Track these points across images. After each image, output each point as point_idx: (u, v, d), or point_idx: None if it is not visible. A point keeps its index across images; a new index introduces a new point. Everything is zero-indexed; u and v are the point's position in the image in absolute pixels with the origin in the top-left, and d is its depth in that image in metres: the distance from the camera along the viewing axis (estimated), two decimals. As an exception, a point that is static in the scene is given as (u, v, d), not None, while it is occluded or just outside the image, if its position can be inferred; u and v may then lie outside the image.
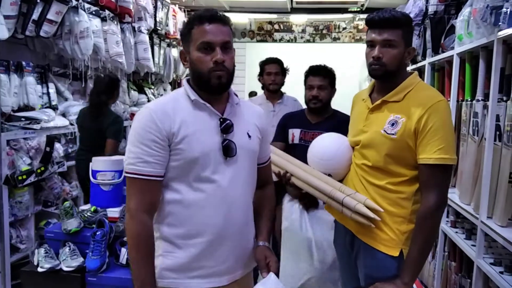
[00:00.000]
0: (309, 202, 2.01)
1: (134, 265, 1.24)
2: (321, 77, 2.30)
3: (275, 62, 3.14)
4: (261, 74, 3.19)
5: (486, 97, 2.13)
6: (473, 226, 2.20)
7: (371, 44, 1.51)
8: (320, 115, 2.33)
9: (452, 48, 2.57)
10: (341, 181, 1.68)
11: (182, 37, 1.31)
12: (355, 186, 1.60)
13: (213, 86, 1.25)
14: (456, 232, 2.42)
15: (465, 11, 2.30)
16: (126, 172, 1.23)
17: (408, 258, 1.45)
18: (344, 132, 1.75)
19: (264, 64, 3.17)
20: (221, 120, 1.28)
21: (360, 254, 1.59)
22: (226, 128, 1.28)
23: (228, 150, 1.27)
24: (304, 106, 3.24)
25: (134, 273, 1.25)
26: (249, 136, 1.34)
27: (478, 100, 2.19)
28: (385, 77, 1.52)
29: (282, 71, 3.15)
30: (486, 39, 2.01)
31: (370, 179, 1.55)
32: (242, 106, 1.36)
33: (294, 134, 2.37)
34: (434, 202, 1.41)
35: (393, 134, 1.46)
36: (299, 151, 2.06)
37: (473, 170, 2.17)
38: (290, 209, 2.09)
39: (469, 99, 2.35)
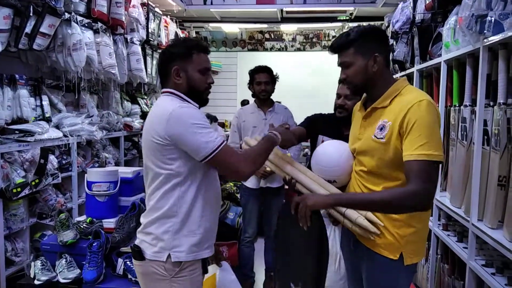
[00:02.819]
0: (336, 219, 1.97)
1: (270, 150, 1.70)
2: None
3: (265, 71, 3.12)
4: (251, 83, 3.18)
5: (473, 102, 2.18)
6: (464, 229, 2.24)
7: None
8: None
9: (440, 55, 2.63)
10: (344, 187, 1.71)
11: (177, 56, 1.58)
12: (356, 191, 1.64)
13: (206, 100, 1.67)
14: (448, 235, 2.46)
15: (451, 19, 2.37)
16: (217, 149, 1.48)
17: (353, 194, 1.53)
18: None
19: (253, 73, 3.15)
20: None
21: (363, 257, 1.62)
22: None
23: None
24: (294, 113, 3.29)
25: None
26: None
27: (466, 106, 2.24)
28: (360, 91, 1.63)
29: (272, 79, 3.14)
30: (472, 47, 2.07)
31: (367, 184, 1.58)
32: None
33: (324, 141, 2.27)
34: (412, 188, 1.37)
35: (382, 138, 1.50)
36: None
37: (462, 173, 2.22)
38: None
39: (457, 105, 2.40)
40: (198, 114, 1.51)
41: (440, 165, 2.44)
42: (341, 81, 2.31)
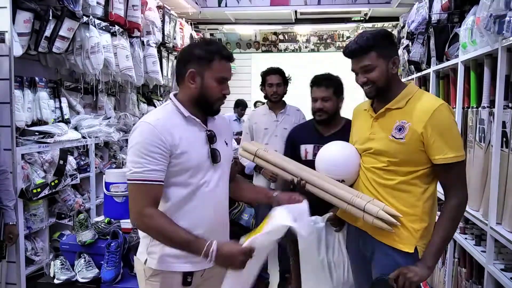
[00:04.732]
0: (338, 221, 1.87)
1: (177, 245, 1.38)
2: (324, 88, 2.23)
3: (276, 72, 3.09)
4: (263, 85, 3.15)
5: (491, 104, 2.15)
6: (483, 232, 2.21)
7: (355, 73, 1.64)
8: (331, 127, 2.26)
9: (457, 56, 2.60)
10: (352, 186, 1.73)
11: (196, 59, 1.46)
12: (367, 189, 1.66)
13: (216, 111, 1.54)
14: (466, 238, 2.43)
15: (469, 19, 2.34)
16: (131, 180, 1.38)
17: (432, 245, 1.53)
18: None
19: (265, 74, 3.12)
20: (207, 132, 1.51)
21: (375, 254, 1.63)
22: (211, 139, 1.51)
23: (215, 157, 1.51)
24: (308, 115, 3.28)
25: (184, 248, 1.39)
26: (226, 144, 1.60)
27: (483, 107, 2.21)
28: (380, 93, 1.62)
29: (284, 81, 3.10)
30: (490, 47, 2.04)
31: (380, 180, 1.61)
32: (216, 118, 1.59)
33: (307, 150, 2.29)
34: (463, 196, 1.55)
35: (401, 138, 1.55)
36: (314, 167, 1.93)
37: (480, 176, 2.19)
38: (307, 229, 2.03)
39: (475, 106, 2.37)
40: (155, 139, 1.37)
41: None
42: (313, 84, 2.30)
